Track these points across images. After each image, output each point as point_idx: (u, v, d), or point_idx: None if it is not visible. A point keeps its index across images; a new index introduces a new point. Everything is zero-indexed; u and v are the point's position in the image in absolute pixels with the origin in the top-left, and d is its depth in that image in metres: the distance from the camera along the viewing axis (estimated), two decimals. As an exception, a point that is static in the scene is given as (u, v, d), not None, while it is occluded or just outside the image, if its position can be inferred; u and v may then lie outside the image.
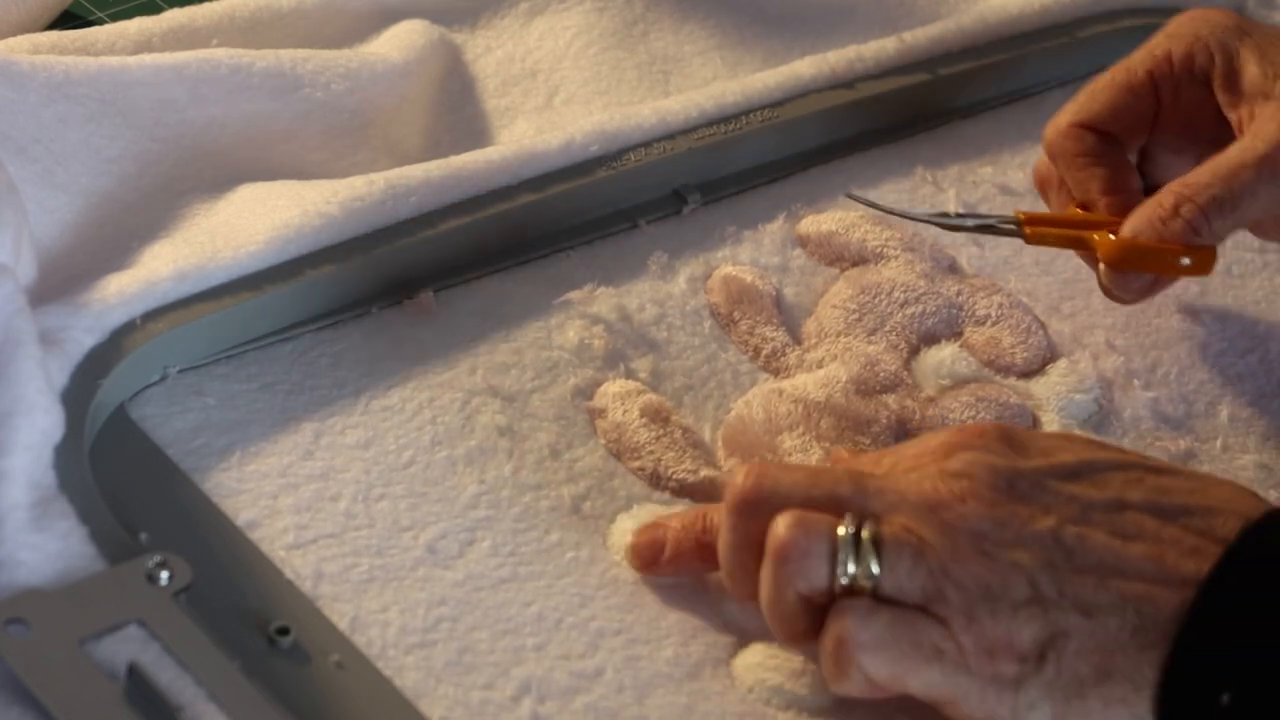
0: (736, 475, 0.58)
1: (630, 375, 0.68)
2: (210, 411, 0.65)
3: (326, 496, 0.63)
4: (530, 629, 0.60)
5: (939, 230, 0.74)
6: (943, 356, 0.70)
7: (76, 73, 0.69)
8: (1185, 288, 0.74)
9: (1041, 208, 0.73)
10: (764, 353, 0.70)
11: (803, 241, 0.74)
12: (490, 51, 0.80)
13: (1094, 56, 0.82)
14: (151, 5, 0.83)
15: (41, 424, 0.59)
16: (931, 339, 0.71)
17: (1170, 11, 0.82)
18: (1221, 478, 0.58)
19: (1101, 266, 0.69)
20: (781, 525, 0.56)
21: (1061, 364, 0.71)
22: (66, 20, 0.80)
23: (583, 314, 0.70)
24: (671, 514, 0.63)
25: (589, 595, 0.61)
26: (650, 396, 0.68)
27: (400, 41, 0.77)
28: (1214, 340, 0.73)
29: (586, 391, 0.68)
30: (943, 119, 0.80)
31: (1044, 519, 0.55)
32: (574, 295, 0.70)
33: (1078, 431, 0.69)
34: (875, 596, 0.56)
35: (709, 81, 0.79)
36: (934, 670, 0.55)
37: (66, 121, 0.69)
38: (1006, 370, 0.71)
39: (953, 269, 0.74)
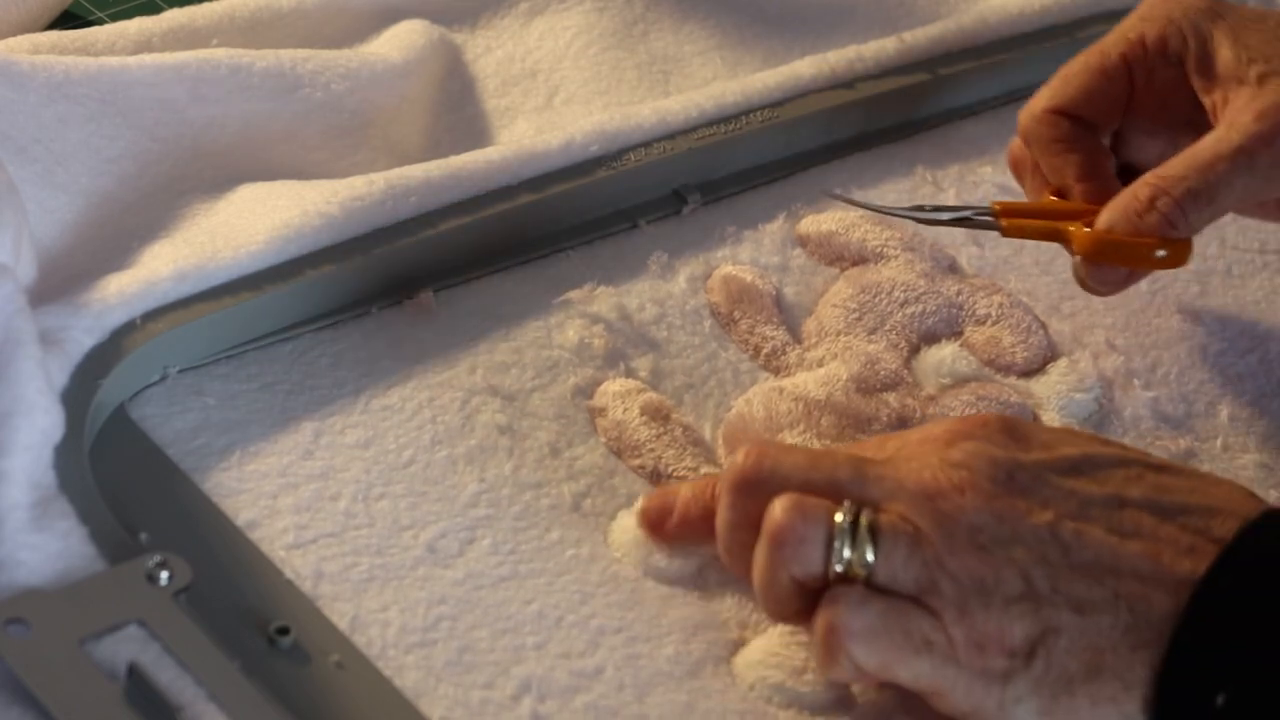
0: (738, 454, 0.58)
1: (630, 374, 0.68)
2: (210, 411, 0.65)
3: (326, 496, 0.63)
4: (530, 627, 0.60)
5: (939, 230, 0.75)
6: (943, 355, 0.70)
7: (76, 73, 0.69)
8: (1185, 288, 0.74)
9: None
10: (764, 351, 0.70)
11: (803, 241, 0.74)
12: (490, 51, 0.80)
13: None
14: (151, 5, 0.83)
15: (41, 424, 0.59)
16: (932, 338, 0.71)
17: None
18: (1222, 477, 0.58)
19: (1077, 259, 0.68)
20: (779, 508, 0.57)
21: (1062, 363, 0.71)
22: (66, 20, 0.80)
23: (583, 313, 0.70)
24: (683, 481, 0.62)
25: (589, 593, 0.61)
26: (650, 395, 0.68)
27: (400, 41, 0.77)
28: (1214, 340, 0.73)
29: (587, 390, 0.68)
30: (943, 119, 0.80)
31: (1041, 513, 0.55)
32: (574, 295, 0.70)
33: (1080, 431, 0.68)
34: (869, 585, 0.56)
35: (709, 81, 0.79)
36: (923, 661, 0.55)
37: (66, 121, 0.69)
38: (1007, 369, 0.71)
39: (953, 269, 0.74)
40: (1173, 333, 0.73)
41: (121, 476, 0.62)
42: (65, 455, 0.60)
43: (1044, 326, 0.72)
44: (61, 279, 0.65)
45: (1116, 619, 0.54)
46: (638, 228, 0.74)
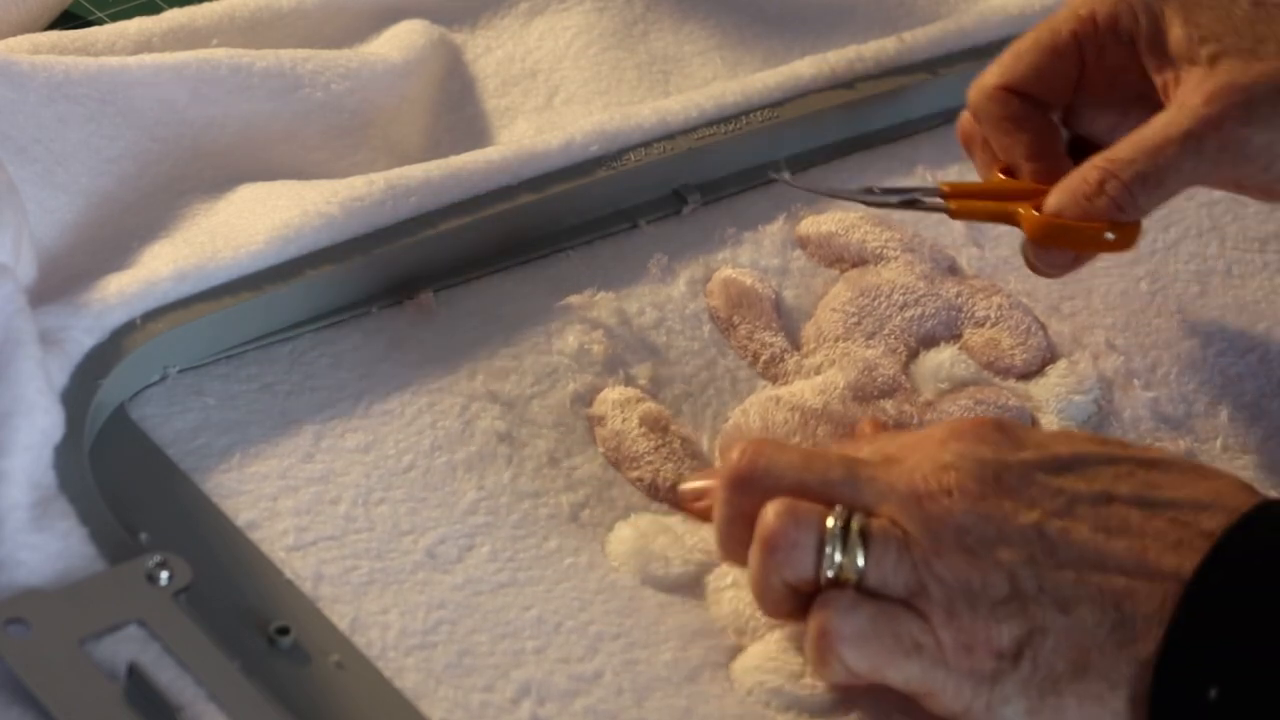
0: (734, 451, 0.59)
1: (629, 381, 0.68)
2: (210, 412, 0.65)
3: (326, 499, 0.63)
4: (529, 632, 0.60)
5: (939, 230, 0.74)
6: (942, 359, 0.70)
7: (76, 73, 0.69)
8: (1185, 288, 0.75)
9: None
10: (763, 359, 0.70)
11: (803, 243, 0.74)
12: (490, 51, 0.80)
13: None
14: (151, 5, 0.83)
15: (41, 424, 0.59)
16: (930, 341, 0.71)
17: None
18: (1218, 470, 0.58)
19: (1025, 240, 0.68)
20: (771, 514, 0.57)
21: (1061, 365, 0.71)
22: (66, 20, 0.80)
23: (582, 318, 0.70)
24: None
25: (588, 600, 0.61)
26: (649, 405, 0.67)
27: (400, 41, 0.77)
28: (1214, 340, 0.73)
29: (586, 398, 0.68)
30: (943, 119, 0.80)
31: (1028, 513, 0.56)
32: (574, 299, 0.70)
33: (1077, 432, 0.68)
34: (860, 589, 0.56)
35: (709, 81, 0.79)
36: (913, 664, 0.56)
37: (66, 121, 0.69)
38: (1006, 372, 0.71)
39: (952, 270, 0.74)
40: (1173, 333, 0.73)
41: (121, 476, 0.62)
42: (65, 455, 0.60)
43: (1043, 328, 0.72)
44: (61, 279, 0.65)
45: (1103, 617, 0.54)
46: (638, 228, 0.74)
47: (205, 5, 0.76)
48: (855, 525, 0.56)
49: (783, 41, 0.82)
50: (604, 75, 0.79)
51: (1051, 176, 0.67)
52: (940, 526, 0.56)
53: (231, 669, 0.55)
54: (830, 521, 0.56)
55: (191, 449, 0.63)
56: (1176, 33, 0.66)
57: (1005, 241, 0.75)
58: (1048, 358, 0.71)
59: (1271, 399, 0.71)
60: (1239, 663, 0.53)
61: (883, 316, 0.71)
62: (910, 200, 0.69)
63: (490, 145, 0.75)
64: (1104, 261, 0.75)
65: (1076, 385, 0.70)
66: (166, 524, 0.61)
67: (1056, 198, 0.66)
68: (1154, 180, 0.65)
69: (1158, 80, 0.67)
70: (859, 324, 0.71)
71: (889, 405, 0.68)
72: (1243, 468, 0.68)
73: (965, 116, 0.70)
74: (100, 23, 0.81)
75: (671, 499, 0.65)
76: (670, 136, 0.75)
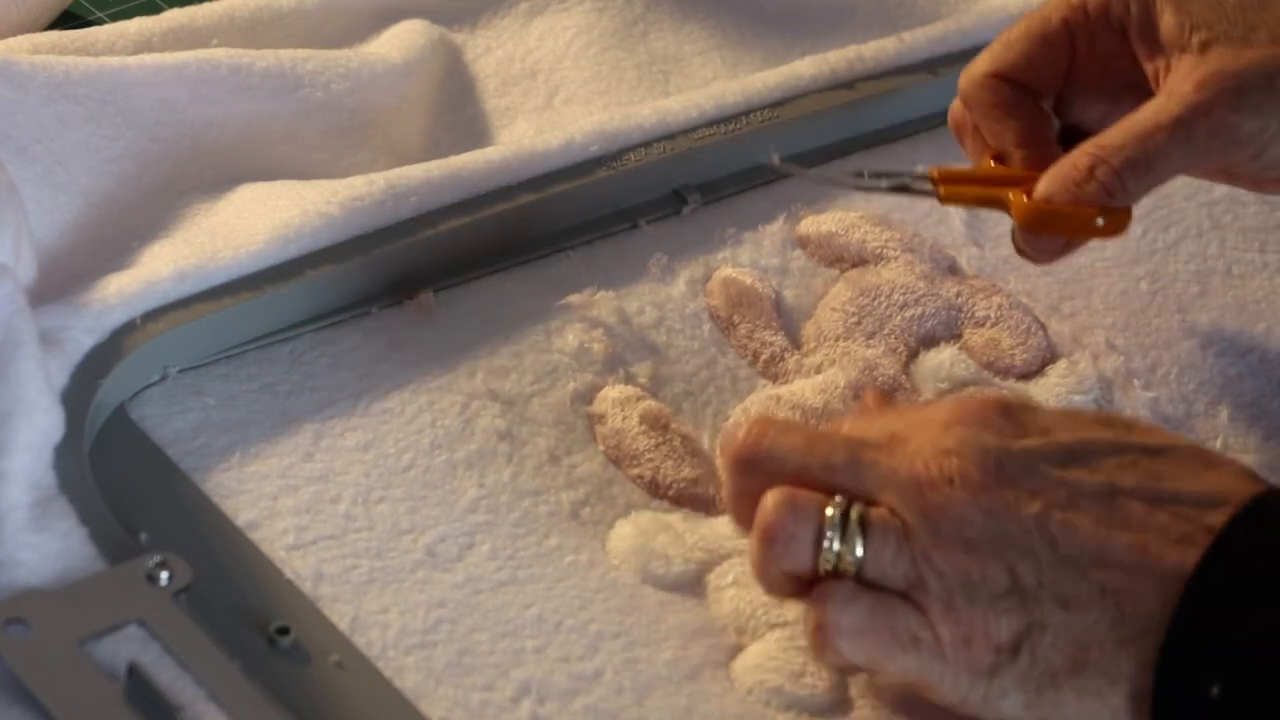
0: (739, 429, 0.59)
1: (630, 380, 0.68)
2: (210, 412, 0.65)
3: (326, 498, 0.63)
4: (530, 631, 0.60)
5: (939, 230, 0.74)
6: (942, 359, 0.70)
7: (76, 73, 0.69)
8: (1185, 288, 0.74)
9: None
10: (763, 358, 0.70)
11: (803, 242, 0.74)
12: (490, 51, 0.80)
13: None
14: (151, 5, 0.83)
15: (41, 424, 0.59)
16: (931, 341, 0.71)
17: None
18: (1224, 457, 0.57)
19: (1015, 227, 0.68)
20: (769, 504, 0.57)
21: (1061, 365, 0.71)
22: (66, 20, 0.80)
23: (582, 317, 0.70)
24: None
25: (588, 598, 0.61)
26: (649, 403, 0.68)
27: (400, 41, 0.77)
28: (1214, 340, 0.73)
29: (586, 396, 0.68)
30: (943, 119, 0.79)
31: (1030, 505, 0.55)
32: (574, 299, 0.70)
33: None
34: (858, 579, 0.56)
35: (709, 81, 0.79)
36: (910, 657, 0.56)
37: (66, 121, 0.69)
38: (1006, 372, 0.71)
39: (952, 270, 0.74)
40: (1173, 333, 0.73)
41: (121, 476, 0.62)
42: (65, 455, 0.60)
43: (1043, 328, 0.72)
44: (61, 279, 0.65)
45: (1103, 614, 0.54)
46: (638, 228, 0.74)
47: (205, 5, 0.77)
48: (854, 515, 0.56)
49: (783, 41, 0.82)
50: (604, 75, 0.79)
51: (1042, 164, 0.67)
52: (940, 517, 0.55)
53: (231, 669, 0.55)
54: (829, 511, 0.56)
55: (191, 449, 0.63)
56: (1168, 20, 0.66)
57: (1005, 242, 0.75)
58: (1048, 358, 0.71)
59: (1271, 399, 0.71)
60: (1241, 660, 0.53)
61: (883, 316, 0.71)
62: (900, 185, 0.69)
63: (490, 145, 0.75)
64: (1104, 261, 0.75)
65: (1077, 385, 0.70)
66: (166, 524, 0.61)
67: (1046, 183, 0.66)
68: (1144, 166, 0.65)
69: (1149, 68, 0.67)
70: (859, 323, 0.71)
71: (889, 405, 0.69)
72: (1243, 468, 0.68)
73: (956, 104, 0.70)
74: (100, 23, 0.81)
75: (672, 496, 0.65)
76: (670, 136, 0.75)
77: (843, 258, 0.74)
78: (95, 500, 0.60)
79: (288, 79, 0.73)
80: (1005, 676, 0.55)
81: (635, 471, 0.66)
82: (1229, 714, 0.53)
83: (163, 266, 0.66)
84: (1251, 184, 0.68)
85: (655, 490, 0.65)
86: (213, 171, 0.71)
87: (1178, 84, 0.65)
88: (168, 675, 0.55)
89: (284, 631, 0.58)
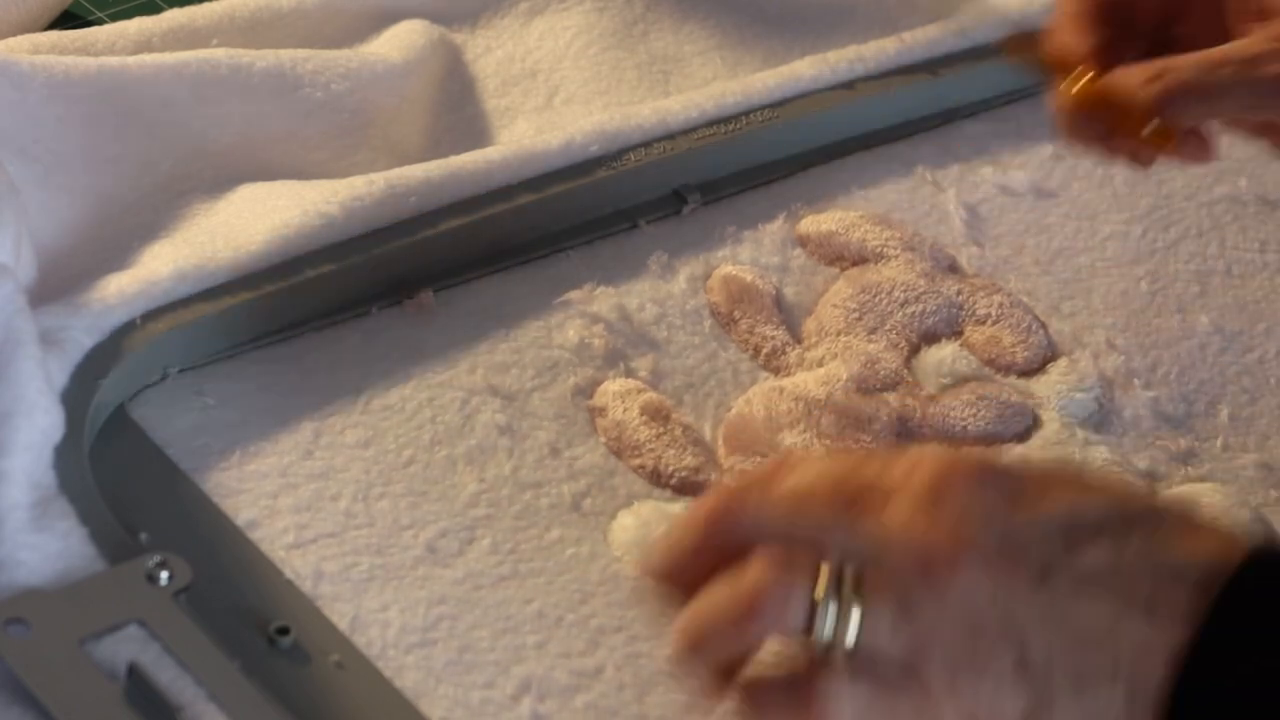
0: (726, 480, 0.56)
1: (630, 374, 0.68)
2: (210, 411, 0.65)
3: (326, 496, 0.63)
4: (530, 627, 0.60)
5: (939, 229, 0.74)
6: (943, 355, 0.70)
7: (76, 73, 0.69)
8: (1185, 288, 0.74)
9: None
10: (764, 351, 0.70)
11: (803, 241, 0.74)
12: (490, 51, 0.80)
13: (1094, 56, 0.82)
14: (151, 5, 0.83)
15: (41, 424, 0.59)
16: (932, 338, 0.71)
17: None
18: (1207, 517, 0.55)
19: (1067, 97, 0.67)
20: (759, 567, 0.52)
21: (1062, 363, 0.71)
22: (66, 20, 0.80)
23: (583, 313, 0.70)
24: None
25: (589, 592, 0.61)
26: (650, 395, 0.68)
27: (400, 41, 0.77)
28: (1214, 340, 0.73)
29: (586, 390, 0.68)
30: (943, 119, 0.80)
31: (1039, 580, 0.52)
32: (574, 295, 0.70)
33: (1078, 432, 0.69)
34: (853, 658, 0.52)
35: (709, 81, 0.79)
36: None
37: (66, 121, 0.69)
38: (1007, 369, 0.71)
39: (953, 268, 0.74)
40: (1173, 332, 0.73)
41: (121, 476, 0.62)
42: (65, 455, 0.60)
43: (1044, 326, 0.72)
44: (61, 279, 0.65)
45: (1114, 692, 0.52)
46: (638, 228, 0.74)
47: (205, 5, 0.77)
48: (849, 580, 0.52)
49: (783, 41, 0.82)
50: (604, 75, 0.79)
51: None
52: (946, 590, 0.52)
53: (231, 669, 0.55)
54: (820, 588, 0.52)
55: (191, 448, 0.63)
56: None
57: (1006, 241, 0.75)
58: (1048, 356, 0.71)
59: (1271, 399, 0.71)
60: None
61: (884, 313, 0.71)
62: None
63: (490, 145, 0.75)
64: (1104, 261, 0.75)
65: (1078, 383, 0.70)
66: (166, 524, 0.61)
67: (1112, 75, 0.66)
68: (1205, 90, 0.65)
69: (1243, 30, 0.67)
70: (860, 319, 0.71)
71: (892, 398, 0.68)
72: (1242, 468, 0.68)
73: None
74: (100, 23, 0.81)
75: (674, 485, 0.65)
76: (670, 136, 0.74)
77: (843, 256, 0.74)
78: (95, 500, 0.60)
79: (288, 79, 0.73)
80: None
81: (637, 462, 0.66)
82: None
83: (162, 266, 0.66)
84: None
85: (657, 480, 0.65)
86: (213, 171, 0.71)
87: (1260, 31, 0.65)
88: (168, 675, 0.55)
89: (284, 631, 0.58)
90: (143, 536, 0.59)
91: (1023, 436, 0.68)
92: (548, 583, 0.62)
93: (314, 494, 0.63)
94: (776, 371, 0.70)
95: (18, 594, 0.56)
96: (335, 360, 0.67)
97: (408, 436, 0.65)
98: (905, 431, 0.68)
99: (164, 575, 0.57)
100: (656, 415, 0.67)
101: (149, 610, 0.56)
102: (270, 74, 0.73)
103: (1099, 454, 0.68)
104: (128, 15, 0.77)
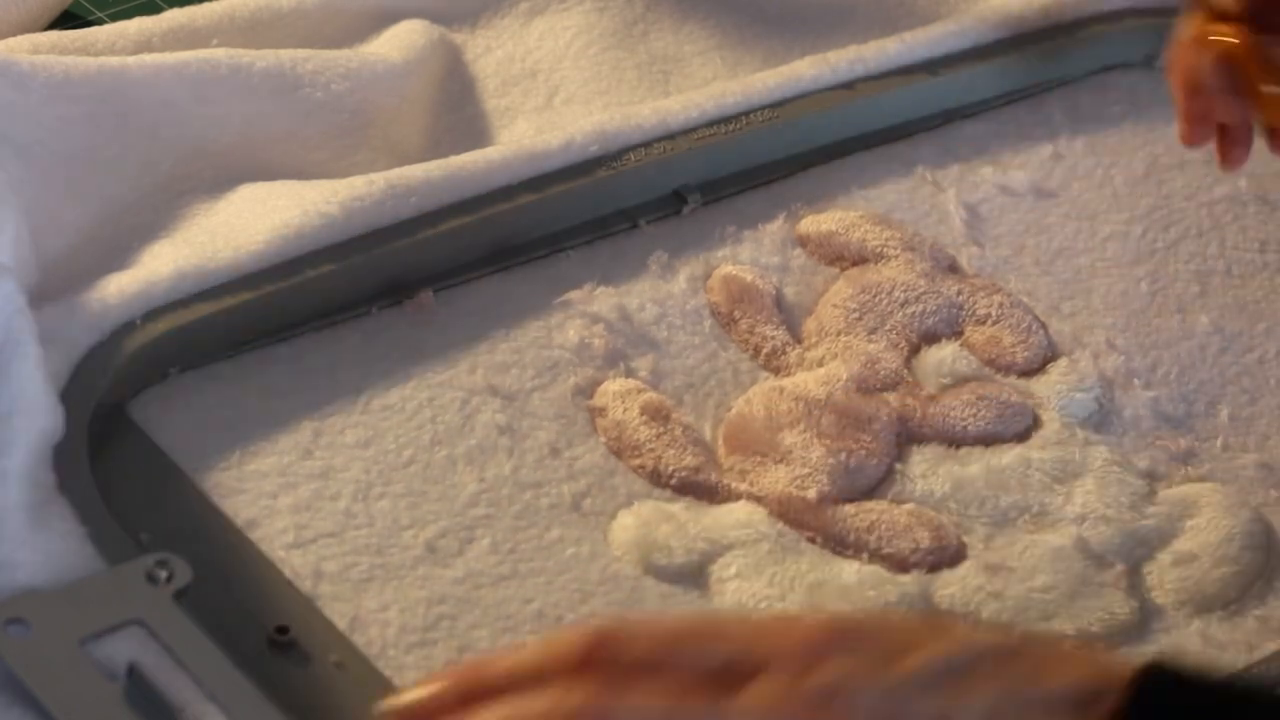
0: (573, 681, 0.51)
1: (630, 374, 0.68)
2: (210, 411, 0.65)
3: (326, 495, 0.63)
4: (530, 626, 0.60)
5: (939, 230, 0.74)
6: (943, 355, 0.70)
7: (76, 73, 0.69)
8: (1185, 288, 0.74)
9: None
10: (764, 351, 0.70)
11: (803, 241, 0.74)
12: (490, 51, 0.80)
13: (1094, 56, 0.82)
14: (151, 5, 0.83)
15: (42, 424, 0.59)
16: (932, 338, 0.71)
17: (1170, 12, 0.83)
18: (1076, 643, 0.55)
19: (1204, 43, 0.68)
20: None
21: (1062, 363, 0.71)
22: (66, 20, 0.80)
23: (583, 313, 0.70)
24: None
25: (589, 591, 0.61)
26: (650, 395, 0.68)
27: (400, 41, 0.77)
28: (1214, 340, 0.73)
29: (587, 390, 0.68)
30: (943, 119, 0.80)
31: None
32: (574, 295, 0.70)
33: (1078, 432, 0.68)
34: None
35: (709, 81, 0.79)
36: None
37: (67, 122, 0.69)
38: (1007, 369, 0.71)
39: (953, 269, 0.74)
40: (1173, 333, 0.73)
41: (121, 477, 0.62)
42: (65, 455, 0.60)
43: (1044, 326, 0.72)
44: (62, 279, 0.65)
45: None
46: (638, 228, 0.74)
47: (205, 5, 0.77)
48: None
49: (783, 41, 0.82)
50: (604, 75, 0.79)
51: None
52: None
53: (231, 670, 0.55)
54: None
55: (191, 448, 0.63)
56: None
57: (1005, 241, 0.75)
58: (1048, 356, 0.71)
59: (1271, 398, 0.71)
60: None
61: (884, 312, 0.71)
62: None
63: (490, 145, 0.75)
64: (1104, 262, 0.75)
65: (1078, 383, 0.70)
66: (167, 524, 0.61)
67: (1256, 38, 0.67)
68: None
69: None
70: (860, 319, 0.71)
71: (892, 398, 0.68)
72: (1242, 468, 0.68)
73: None
74: (100, 23, 0.81)
75: (674, 485, 0.65)
76: (670, 137, 0.74)
77: (843, 256, 0.74)
78: (95, 500, 0.60)
79: (288, 79, 0.73)
80: None
81: (637, 462, 0.66)
82: None
83: (163, 266, 0.66)
84: None
85: (657, 479, 0.65)
86: (213, 171, 0.71)
87: None
88: (168, 676, 0.55)
89: (284, 631, 0.58)
90: (143, 536, 0.59)
91: (1023, 436, 0.68)
92: (547, 582, 0.62)
93: (313, 494, 0.63)
94: (776, 371, 0.70)
95: (17, 594, 0.56)
96: (335, 360, 0.67)
97: (408, 436, 0.65)
98: (906, 431, 0.68)
99: (164, 575, 0.57)
100: (656, 415, 0.67)
101: (149, 610, 0.56)
102: (270, 74, 0.73)
103: (1099, 454, 0.68)
104: (128, 15, 0.77)
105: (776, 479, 0.65)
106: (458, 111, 0.78)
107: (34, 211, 0.66)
